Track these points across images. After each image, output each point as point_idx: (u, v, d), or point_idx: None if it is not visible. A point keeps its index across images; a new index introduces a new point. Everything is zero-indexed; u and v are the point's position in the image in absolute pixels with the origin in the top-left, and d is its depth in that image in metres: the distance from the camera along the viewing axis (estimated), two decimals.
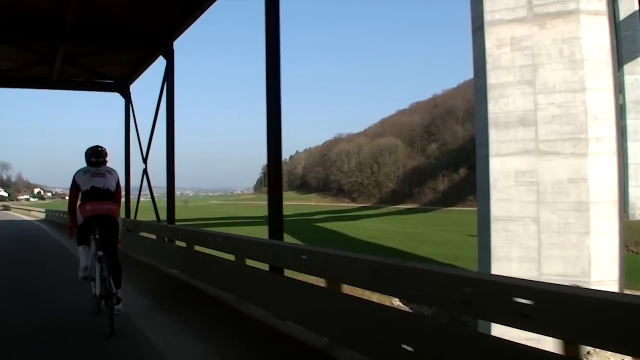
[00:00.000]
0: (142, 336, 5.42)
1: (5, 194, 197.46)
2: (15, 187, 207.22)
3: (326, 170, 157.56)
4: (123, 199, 11.12)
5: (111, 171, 6.06)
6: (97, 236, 5.83)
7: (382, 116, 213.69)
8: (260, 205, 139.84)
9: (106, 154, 6.13)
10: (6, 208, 73.06)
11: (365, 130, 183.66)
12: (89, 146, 6.10)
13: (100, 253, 5.55)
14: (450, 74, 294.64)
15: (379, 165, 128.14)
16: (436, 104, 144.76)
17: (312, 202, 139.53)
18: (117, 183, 6.07)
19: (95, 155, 6.02)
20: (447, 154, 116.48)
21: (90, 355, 4.84)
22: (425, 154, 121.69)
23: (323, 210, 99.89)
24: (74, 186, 5.94)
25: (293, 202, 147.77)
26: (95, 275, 5.61)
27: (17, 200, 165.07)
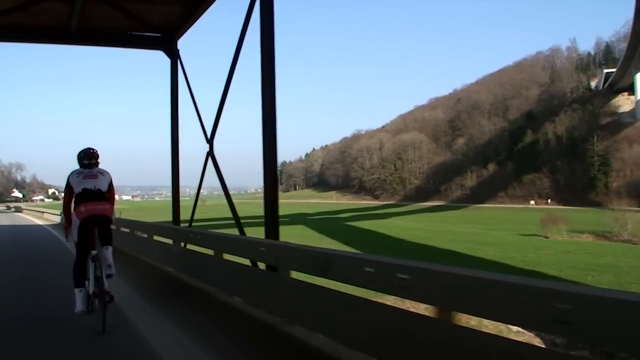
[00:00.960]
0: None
1: (20, 195, 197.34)
2: (29, 188, 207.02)
3: (346, 167, 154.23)
4: (167, 198, 8.74)
5: (103, 172, 6.20)
6: (92, 236, 6.01)
7: (399, 112, 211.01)
8: (281, 204, 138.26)
9: (98, 155, 6.29)
10: (17, 210, 67.60)
11: (384, 126, 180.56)
12: (82, 149, 6.24)
13: (94, 252, 5.86)
14: (468, 68, 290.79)
15: (403, 161, 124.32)
16: (459, 98, 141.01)
17: (333, 200, 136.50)
18: (109, 184, 6.21)
19: (88, 158, 6.17)
20: (473, 149, 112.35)
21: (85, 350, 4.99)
22: (452, 150, 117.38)
23: (347, 208, 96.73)
24: (68, 188, 6.08)
25: (313, 200, 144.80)
26: (90, 274, 5.83)
27: (32, 200, 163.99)
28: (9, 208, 77.69)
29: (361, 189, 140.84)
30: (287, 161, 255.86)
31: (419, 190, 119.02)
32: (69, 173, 5.99)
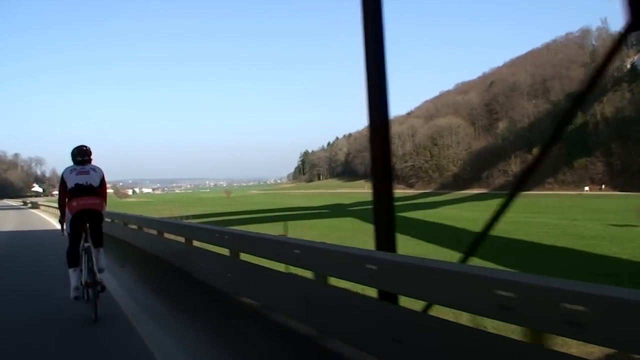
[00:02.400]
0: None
1: (40, 190, 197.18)
2: (49, 182, 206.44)
3: None
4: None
5: (95, 168, 6.47)
6: (84, 229, 6.31)
7: (423, 99, 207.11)
8: (309, 195, 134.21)
9: (90, 152, 6.54)
10: (34, 205, 59.81)
11: (410, 112, 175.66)
12: (75, 146, 6.54)
13: (86, 245, 6.24)
14: (493, 52, 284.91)
15: (439, 147, 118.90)
16: (492, 81, 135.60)
17: (365, 189, 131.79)
18: (101, 179, 6.47)
19: (81, 155, 6.44)
20: (514, 132, 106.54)
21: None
22: (492, 134, 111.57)
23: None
24: (62, 184, 6.34)
25: (342, 190, 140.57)
26: (82, 265, 6.17)
27: (52, 195, 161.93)
28: (25, 204, 72.02)
29: (393, 178, 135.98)
30: (310, 150, 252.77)
31: (457, 177, 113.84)
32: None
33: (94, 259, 6.14)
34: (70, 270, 6.21)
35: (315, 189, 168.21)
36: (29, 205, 64.60)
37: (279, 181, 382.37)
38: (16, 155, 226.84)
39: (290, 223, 46.41)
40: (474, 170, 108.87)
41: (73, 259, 6.23)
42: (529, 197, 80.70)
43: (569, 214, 46.54)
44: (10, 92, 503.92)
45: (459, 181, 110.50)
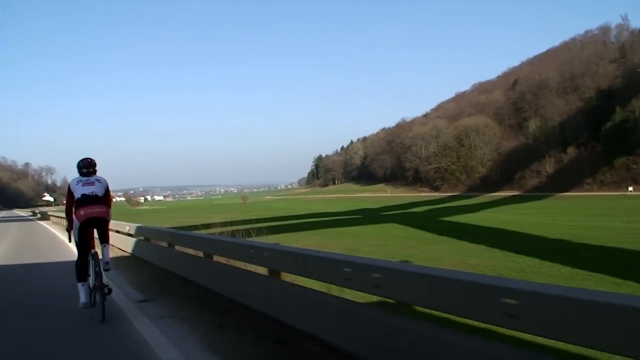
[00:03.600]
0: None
1: (51, 199, 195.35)
2: (60, 191, 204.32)
3: (396, 158, 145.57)
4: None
5: (100, 179, 6.95)
6: (91, 236, 6.86)
7: (438, 101, 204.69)
8: (328, 199, 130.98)
9: (95, 164, 7.02)
10: (43, 216, 51.92)
11: (428, 113, 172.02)
12: (81, 159, 7.00)
13: (93, 251, 6.74)
14: (509, 52, 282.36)
15: (466, 148, 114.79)
16: (515, 79, 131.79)
17: (387, 193, 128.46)
18: (106, 189, 6.95)
19: (86, 167, 6.92)
20: (546, 131, 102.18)
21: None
22: (523, 133, 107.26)
23: (413, 201, 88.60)
24: (69, 194, 6.82)
25: (362, 194, 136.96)
26: (90, 270, 6.73)
27: (63, 204, 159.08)
28: (34, 214, 65.67)
29: (416, 180, 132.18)
30: (323, 155, 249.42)
31: (485, 179, 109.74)
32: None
33: (101, 263, 6.63)
34: (79, 285, 6.72)
35: (332, 194, 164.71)
36: (38, 215, 58.81)
37: (289, 186, 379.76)
38: (26, 164, 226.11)
39: (329, 231, 43.34)
40: (504, 172, 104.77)
41: (82, 273, 6.73)
42: (572, 199, 76.98)
43: (630, 216, 42.92)
44: (19, 101, 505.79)
45: (488, 183, 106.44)
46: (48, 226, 34.95)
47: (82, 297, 6.56)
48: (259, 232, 17.34)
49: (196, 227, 29.81)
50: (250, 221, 51.53)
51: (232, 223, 50.23)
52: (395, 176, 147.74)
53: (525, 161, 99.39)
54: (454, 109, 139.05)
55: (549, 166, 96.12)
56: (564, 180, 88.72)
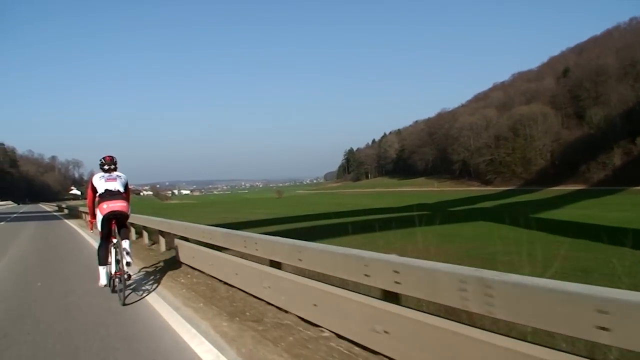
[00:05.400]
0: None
1: (78, 192, 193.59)
2: (87, 185, 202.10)
3: (439, 150, 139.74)
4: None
5: (120, 176, 7.69)
6: (112, 227, 7.44)
7: (475, 92, 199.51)
8: (368, 194, 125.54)
9: (116, 161, 7.75)
10: (71, 212, 41.80)
11: (467, 101, 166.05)
12: (103, 156, 7.74)
13: (115, 240, 7.36)
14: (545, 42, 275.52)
15: (522, 138, 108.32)
16: (567, 67, 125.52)
17: (435, 187, 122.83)
18: (126, 185, 7.69)
19: (108, 164, 7.65)
20: (609, 121, 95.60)
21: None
22: (586, 122, 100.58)
23: (471, 196, 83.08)
24: (92, 189, 7.56)
25: (404, 189, 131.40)
26: (111, 258, 7.36)
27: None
28: (60, 209, 54.81)
29: (464, 174, 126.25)
30: (355, 148, 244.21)
31: (542, 172, 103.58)
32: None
33: (122, 252, 7.09)
34: (100, 268, 7.51)
35: (368, 188, 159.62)
36: (65, 211, 47.17)
37: (314, 181, 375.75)
38: (53, 158, 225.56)
39: (409, 232, 38.28)
40: (564, 164, 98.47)
41: (103, 257, 7.49)
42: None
43: None
44: (45, 97, 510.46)
45: (545, 176, 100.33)
46: (79, 229, 23.08)
47: (103, 279, 7.46)
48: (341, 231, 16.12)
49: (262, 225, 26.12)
50: (306, 217, 46.59)
51: (283, 220, 45.62)
52: (437, 169, 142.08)
53: (589, 153, 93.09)
54: (502, 97, 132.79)
55: (617, 158, 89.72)
56: (634, 173, 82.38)
